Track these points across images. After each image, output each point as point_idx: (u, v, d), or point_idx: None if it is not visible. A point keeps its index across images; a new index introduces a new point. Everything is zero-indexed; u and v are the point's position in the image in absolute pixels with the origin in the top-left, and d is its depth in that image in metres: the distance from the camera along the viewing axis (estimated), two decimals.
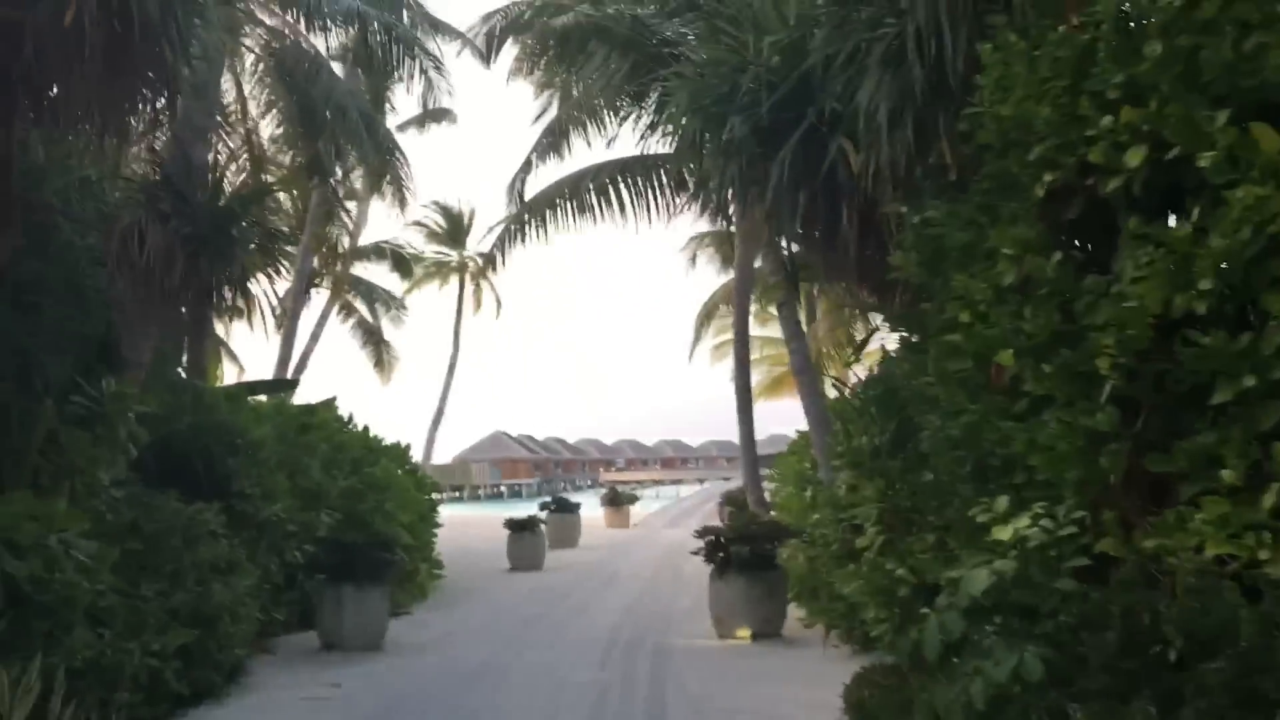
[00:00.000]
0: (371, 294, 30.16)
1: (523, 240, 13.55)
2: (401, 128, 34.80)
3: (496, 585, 18.05)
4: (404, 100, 40.97)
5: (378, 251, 30.43)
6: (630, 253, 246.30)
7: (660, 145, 13.28)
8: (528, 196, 14.88)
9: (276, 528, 11.29)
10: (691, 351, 33.56)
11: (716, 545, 11.13)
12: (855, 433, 10.80)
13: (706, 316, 29.95)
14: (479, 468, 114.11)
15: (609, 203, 12.82)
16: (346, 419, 16.86)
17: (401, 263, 30.19)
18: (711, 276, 30.96)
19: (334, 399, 15.68)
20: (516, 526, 20.84)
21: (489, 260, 41.00)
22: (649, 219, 13.25)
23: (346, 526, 13.33)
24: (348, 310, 31.28)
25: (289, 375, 23.54)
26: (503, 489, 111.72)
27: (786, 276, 11.79)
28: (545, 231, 13.23)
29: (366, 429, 17.10)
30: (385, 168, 26.86)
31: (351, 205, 32.51)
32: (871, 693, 6.48)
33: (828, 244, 8.11)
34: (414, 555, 15.39)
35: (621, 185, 12.70)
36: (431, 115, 35.33)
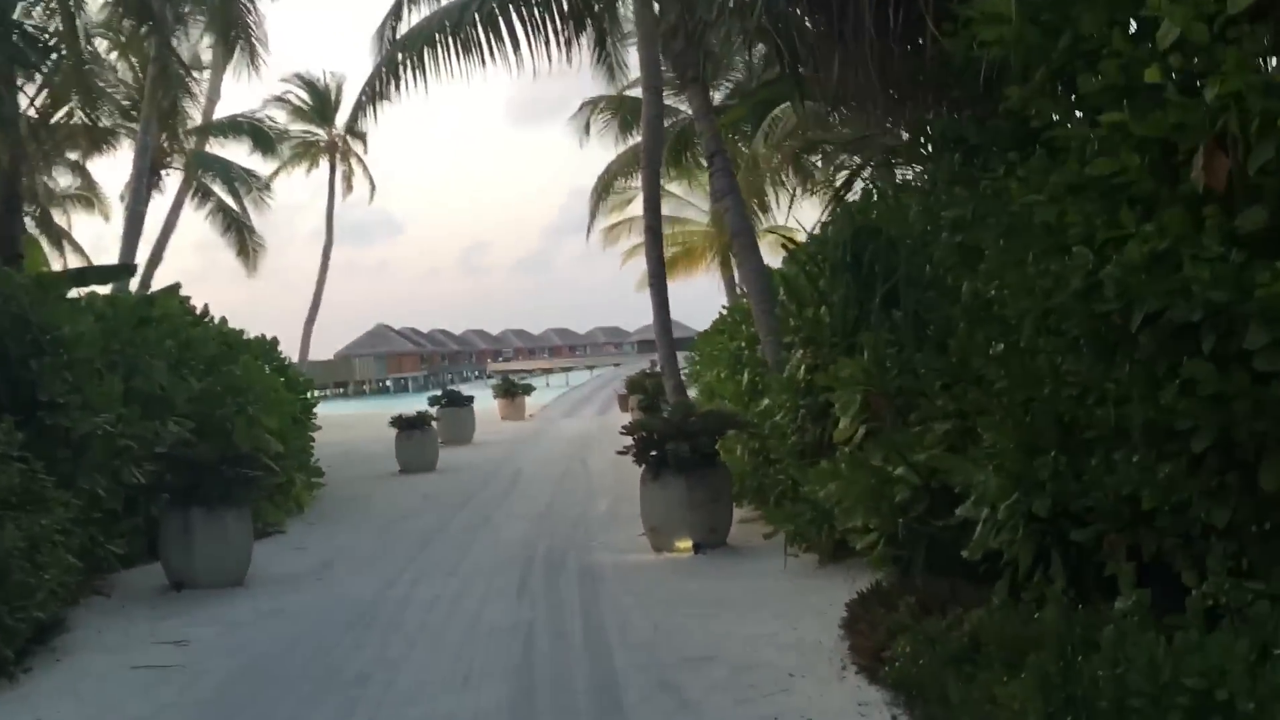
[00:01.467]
0: (229, 173, 27.01)
1: (397, 89, 11.16)
2: None
3: (385, 492, 16.05)
4: None
5: (234, 127, 27.18)
6: (512, 131, 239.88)
7: None
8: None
9: (104, 443, 9.06)
10: (589, 231, 31.38)
11: (649, 443, 9.29)
12: (809, 300, 9.06)
13: (602, 191, 27.66)
14: (362, 363, 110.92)
15: (499, 37, 10.53)
16: (200, 312, 14.54)
17: (262, 138, 27.02)
18: (605, 149, 28.62)
19: (178, 285, 13.29)
20: (404, 424, 18.77)
21: (360, 137, 38.34)
22: (548, 59, 11.01)
23: (201, 437, 11.21)
24: (204, 194, 28.18)
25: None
26: (388, 384, 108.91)
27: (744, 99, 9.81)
28: (422, 78, 10.87)
29: (224, 321, 14.76)
30: (231, 15, 23.86)
31: (204, 78, 29.26)
32: (909, 646, 4.75)
33: (837, 26, 5.97)
34: (286, 464, 13.28)
35: (514, 12, 10.42)
36: None
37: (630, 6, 16.40)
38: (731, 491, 9.46)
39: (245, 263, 29.62)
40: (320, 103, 37.28)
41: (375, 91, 10.88)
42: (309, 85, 36.98)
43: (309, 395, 16.85)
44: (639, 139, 25.63)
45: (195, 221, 29.38)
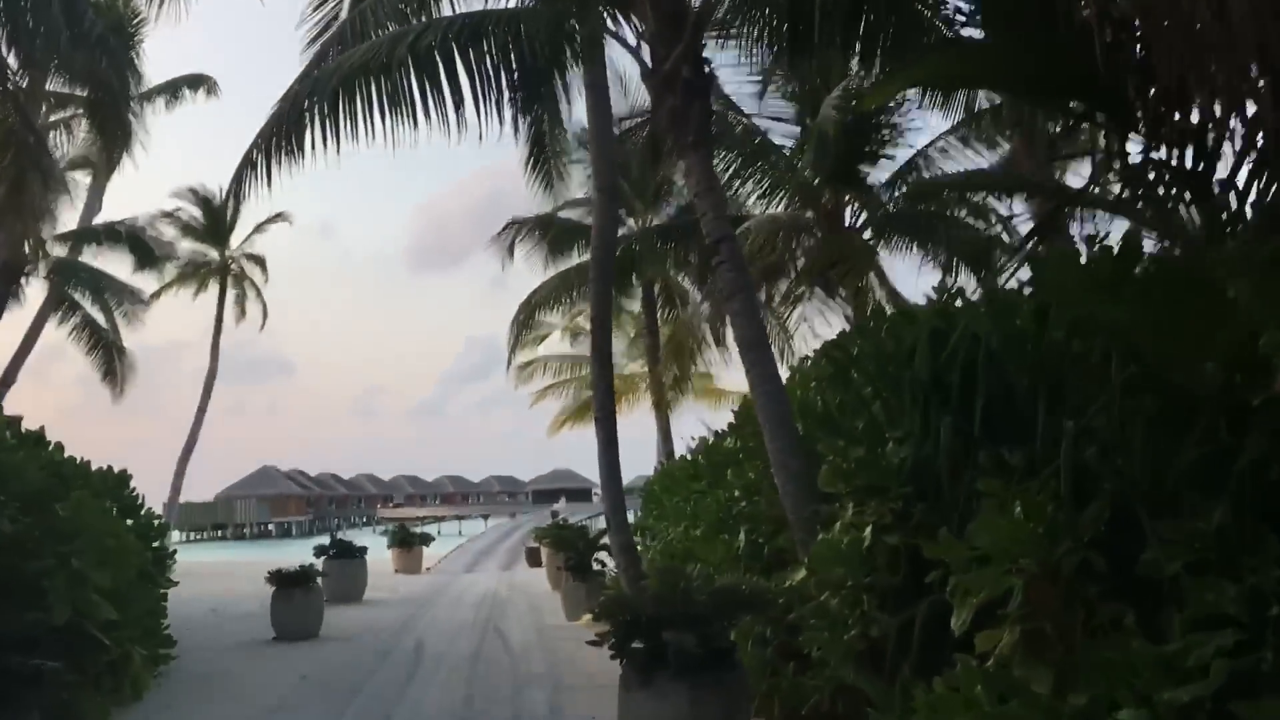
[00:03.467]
0: (98, 284, 23.83)
1: (298, 148, 8.54)
2: (146, 97, 28.96)
3: (254, 669, 12.82)
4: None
5: (110, 234, 24.19)
6: (410, 277, 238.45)
7: None
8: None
9: None
10: (509, 362, 28.73)
11: (632, 628, 6.54)
12: (850, 432, 6.61)
13: (525, 321, 25.12)
14: (244, 505, 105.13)
15: (435, 85, 8.09)
16: (32, 435, 11.62)
17: (140, 249, 24.00)
18: (516, 280, 26.28)
19: None
20: (283, 581, 15.56)
21: (258, 261, 35.53)
22: (493, 121, 8.54)
23: (4, 599, 8.21)
24: (70, 307, 24.92)
25: None
26: (271, 528, 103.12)
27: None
28: (334, 130, 8.32)
29: (58, 447, 11.74)
30: (95, 76, 21.14)
31: (81, 179, 26.41)
32: None
33: None
34: (123, 635, 10.13)
35: (458, 58, 7.99)
36: (188, 82, 29.60)
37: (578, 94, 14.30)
38: (750, 704, 6.72)
39: (112, 387, 26.20)
40: (214, 221, 34.52)
41: (269, 148, 8.29)
42: (203, 201, 34.24)
43: (164, 543, 13.65)
44: (568, 265, 23.54)
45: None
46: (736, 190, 16.56)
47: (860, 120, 14.68)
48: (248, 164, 8.56)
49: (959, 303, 6.53)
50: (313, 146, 8.68)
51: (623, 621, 6.63)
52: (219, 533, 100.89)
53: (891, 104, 14.59)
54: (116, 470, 13.11)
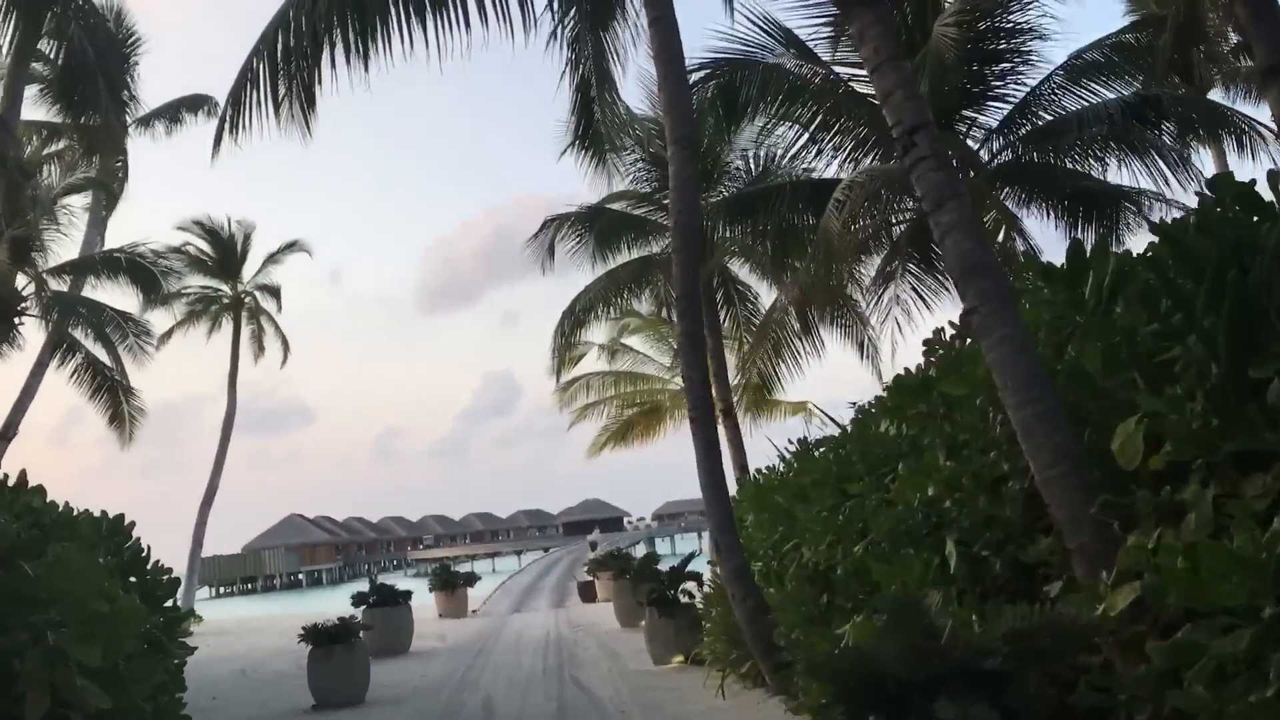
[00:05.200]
0: (99, 318, 21.56)
1: (312, 73, 6.37)
2: (144, 121, 26.99)
3: None
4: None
5: (107, 263, 22.01)
6: (421, 318, 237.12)
7: None
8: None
9: None
10: (556, 374, 26.36)
11: (873, 697, 4.21)
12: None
13: (571, 327, 22.68)
14: (273, 555, 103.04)
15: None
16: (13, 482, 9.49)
17: (142, 276, 21.77)
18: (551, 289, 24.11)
19: None
20: (321, 638, 13.26)
21: (273, 293, 33.41)
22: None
23: None
24: (70, 348, 22.75)
25: None
26: (301, 577, 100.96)
27: None
28: (360, 40, 6.15)
29: (38, 491, 9.53)
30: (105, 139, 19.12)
31: (78, 204, 24.40)
32: None
33: None
34: None
35: None
36: (187, 104, 27.61)
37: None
38: None
39: (119, 432, 23.96)
40: (224, 254, 32.43)
41: (272, 67, 6.08)
42: (211, 234, 32.16)
43: (176, 602, 11.34)
44: (616, 263, 21.29)
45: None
46: (819, 150, 14.28)
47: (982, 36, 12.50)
48: (245, 82, 6.33)
49: None
50: (333, 65, 6.44)
51: (856, 688, 4.30)
52: (248, 585, 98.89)
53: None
54: (126, 520, 10.89)
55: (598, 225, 19.89)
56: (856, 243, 14.06)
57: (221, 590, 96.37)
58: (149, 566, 11.04)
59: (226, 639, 26.30)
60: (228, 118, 6.87)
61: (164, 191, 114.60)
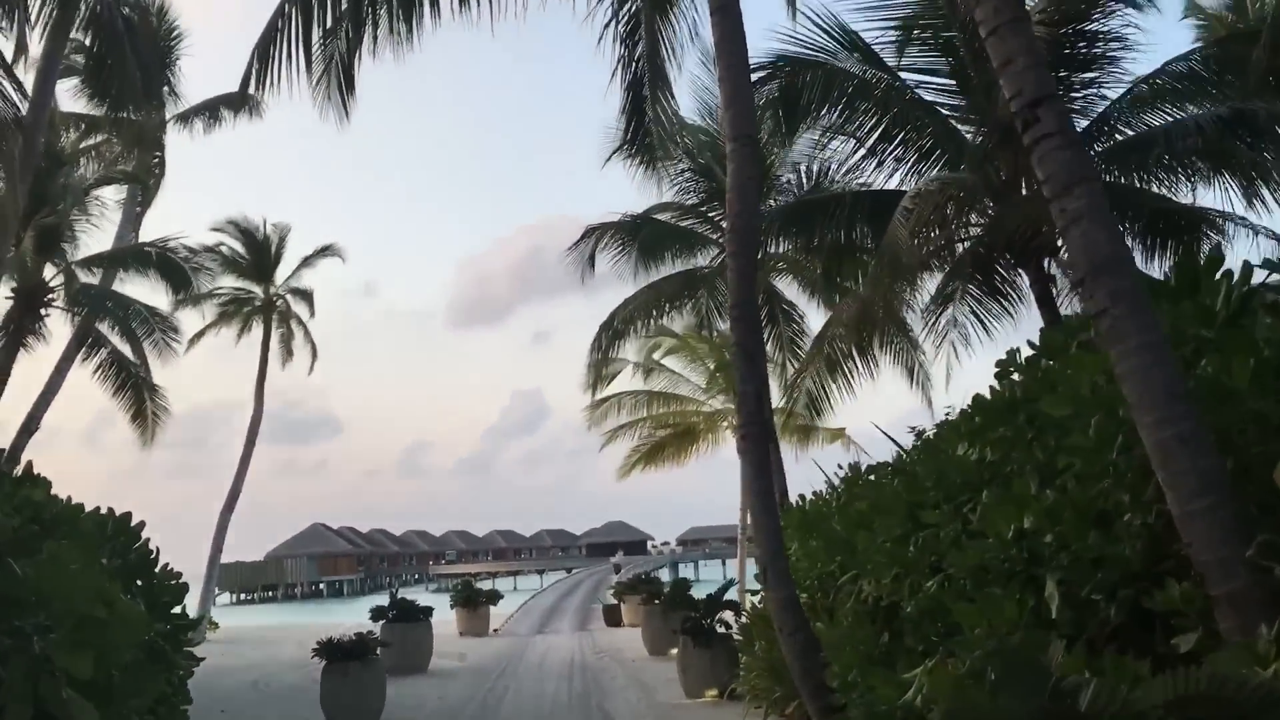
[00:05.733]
0: (125, 311, 21.01)
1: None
2: (184, 118, 26.58)
3: None
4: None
5: (137, 257, 21.47)
6: (450, 334, 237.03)
7: None
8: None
9: None
10: (592, 389, 25.62)
11: None
12: None
13: (611, 340, 21.92)
14: (295, 564, 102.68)
15: None
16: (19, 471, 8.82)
17: (171, 271, 21.21)
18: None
19: None
20: (336, 653, 12.55)
21: (305, 297, 32.93)
22: None
23: None
24: (95, 343, 22.24)
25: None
26: (322, 587, 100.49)
27: None
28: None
29: (42, 483, 8.88)
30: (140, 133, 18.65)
31: (112, 199, 23.96)
32: None
33: None
34: None
35: None
36: (225, 102, 27.16)
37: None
38: None
39: (141, 431, 23.40)
40: (258, 256, 31.96)
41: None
42: (246, 234, 31.71)
43: (183, 609, 10.66)
44: (659, 275, 20.58)
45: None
46: (879, 162, 13.54)
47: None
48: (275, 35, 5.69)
49: None
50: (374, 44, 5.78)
51: None
52: (269, 593, 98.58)
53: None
54: (143, 521, 10.24)
55: (641, 235, 19.20)
56: (920, 257, 13.25)
57: (242, 597, 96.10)
58: (157, 570, 10.39)
59: (242, 648, 25.69)
60: (253, 72, 6.25)
61: (201, 190, 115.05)
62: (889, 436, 11.87)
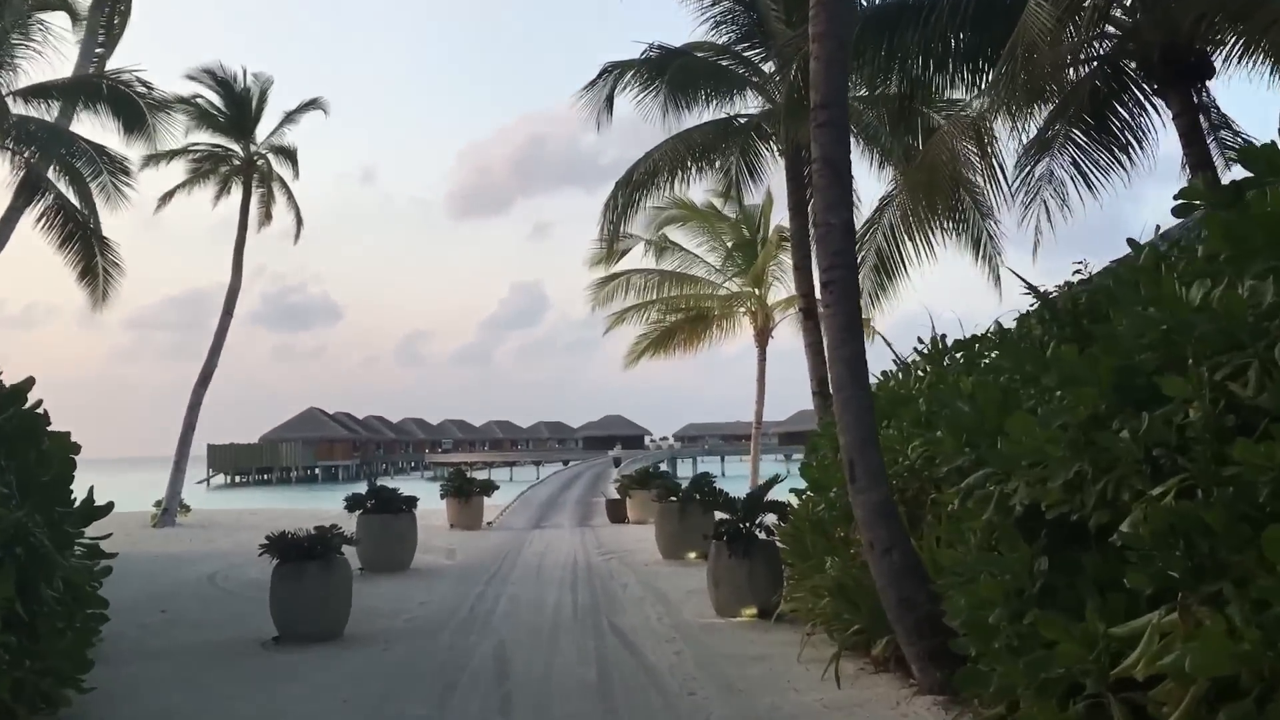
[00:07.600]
0: (68, 148, 18.04)
1: None
2: None
3: (229, 708, 7.49)
4: None
5: (85, 89, 18.52)
6: (451, 223, 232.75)
7: None
8: None
9: None
10: (606, 259, 22.95)
11: None
12: None
13: (630, 196, 18.92)
14: (290, 448, 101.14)
15: None
16: None
17: (126, 107, 18.25)
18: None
19: None
20: (290, 553, 10.17)
21: (288, 155, 30.04)
22: None
23: None
24: (35, 188, 19.42)
25: None
26: (317, 471, 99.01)
27: None
28: None
29: None
30: None
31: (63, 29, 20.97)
32: None
33: None
34: None
35: None
36: None
37: None
38: None
39: (92, 290, 20.75)
40: (237, 110, 29.00)
41: None
42: (223, 85, 28.70)
43: (89, 494, 8.13)
44: (690, 123, 17.74)
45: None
46: None
47: None
48: None
49: None
50: None
51: None
52: (263, 476, 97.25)
53: None
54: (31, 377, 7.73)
55: (671, 70, 16.23)
56: (1057, 58, 10.27)
57: (236, 479, 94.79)
58: (35, 420, 7.86)
59: (213, 533, 23.53)
60: None
61: (180, 50, 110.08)
62: (890, 346, 9.59)
